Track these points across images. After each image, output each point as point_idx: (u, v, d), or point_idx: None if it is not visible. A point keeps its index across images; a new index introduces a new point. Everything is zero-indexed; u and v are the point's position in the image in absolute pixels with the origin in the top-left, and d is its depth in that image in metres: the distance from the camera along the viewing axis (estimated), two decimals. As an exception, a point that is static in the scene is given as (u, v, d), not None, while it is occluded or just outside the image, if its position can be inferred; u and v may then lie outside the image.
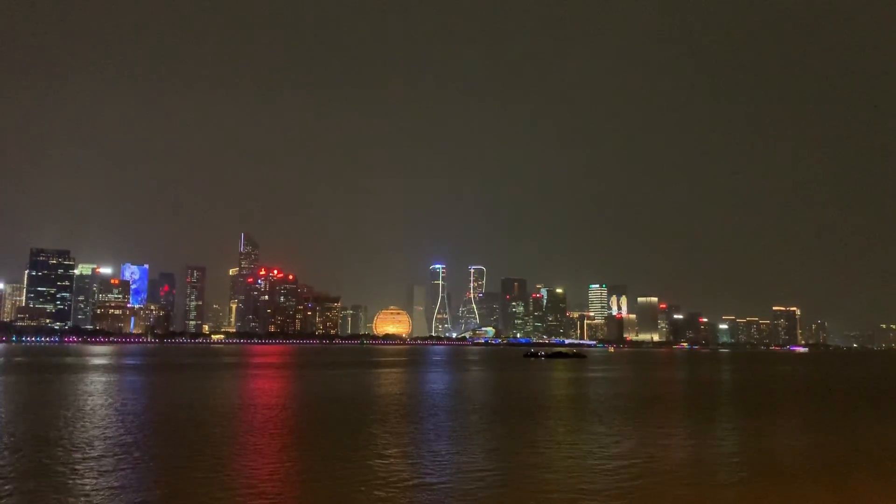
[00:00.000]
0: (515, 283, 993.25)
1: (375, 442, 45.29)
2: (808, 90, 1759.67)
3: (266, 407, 66.74)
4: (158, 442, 44.63)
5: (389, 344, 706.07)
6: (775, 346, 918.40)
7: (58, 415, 58.10)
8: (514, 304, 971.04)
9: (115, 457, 38.42)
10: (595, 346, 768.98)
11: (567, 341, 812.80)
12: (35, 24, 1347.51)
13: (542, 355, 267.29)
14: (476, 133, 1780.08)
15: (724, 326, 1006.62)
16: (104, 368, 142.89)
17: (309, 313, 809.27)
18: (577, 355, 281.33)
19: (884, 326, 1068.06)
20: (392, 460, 39.04)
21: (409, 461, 39.08)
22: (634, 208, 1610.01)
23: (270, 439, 46.03)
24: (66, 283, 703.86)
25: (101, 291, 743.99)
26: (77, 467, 35.45)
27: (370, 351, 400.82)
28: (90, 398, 73.02)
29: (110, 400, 71.52)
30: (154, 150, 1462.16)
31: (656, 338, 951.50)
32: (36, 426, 50.89)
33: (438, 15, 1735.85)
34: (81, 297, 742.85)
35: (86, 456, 38.53)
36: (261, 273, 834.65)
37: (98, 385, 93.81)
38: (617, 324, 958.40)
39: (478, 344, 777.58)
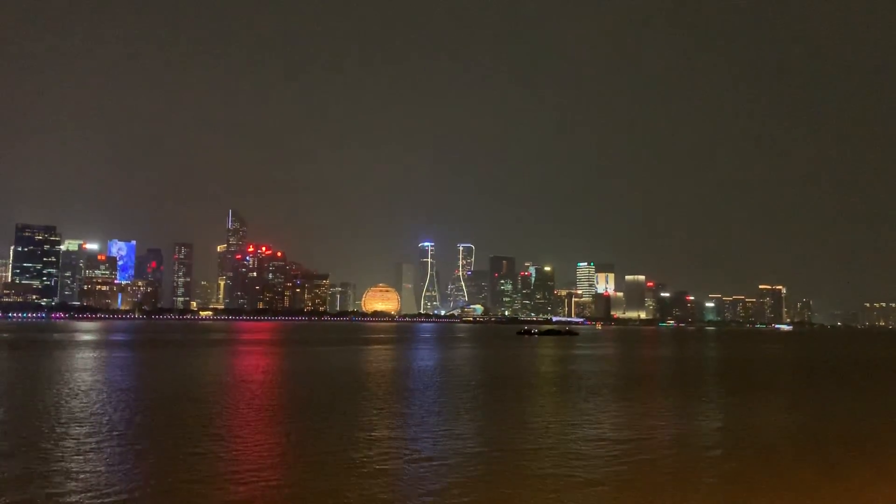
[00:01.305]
0: (504, 262, 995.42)
1: (365, 418, 45.51)
2: (790, 73, 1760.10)
3: (255, 384, 66.83)
4: (147, 420, 44.63)
5: (378, 321, 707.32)
6: (760, 323, 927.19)
7: (45, 392, 57.95)
8: (502, 281, 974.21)
9: (102, 434, 38.41)
10: (581, 323, 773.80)
11: (555, 318, 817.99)
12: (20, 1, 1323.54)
13: (535, 332, 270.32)
14: (466, 112, 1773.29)
15: (710, 305, 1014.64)
16: (91, 345, 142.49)
17: (297, 290, 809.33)
18: (570, 332, 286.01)
19: (868, 305, 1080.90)
20: (376, 438, 39.24)
21: (392, 439, 39.27)
22: (623, 187, 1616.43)
23: (260, 416, 46.17)
24: (53, 259, 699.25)
25: (87, 267, 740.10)
26: (64, 445, 35.42)
27: (359, 328, 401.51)
28: (77, 374, 72.82)
29: (98, 377, 71.36)
30: (140, 126, 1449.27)
31: (643, 315, 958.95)
32: (23, 403, 50.78)
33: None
34: (68, 274, 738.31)
35: (70, 433, 38.50)
36: (249, 250, 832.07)
37: (86, 362, 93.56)
38: (604, 301, 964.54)
39: (466, 321, 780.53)
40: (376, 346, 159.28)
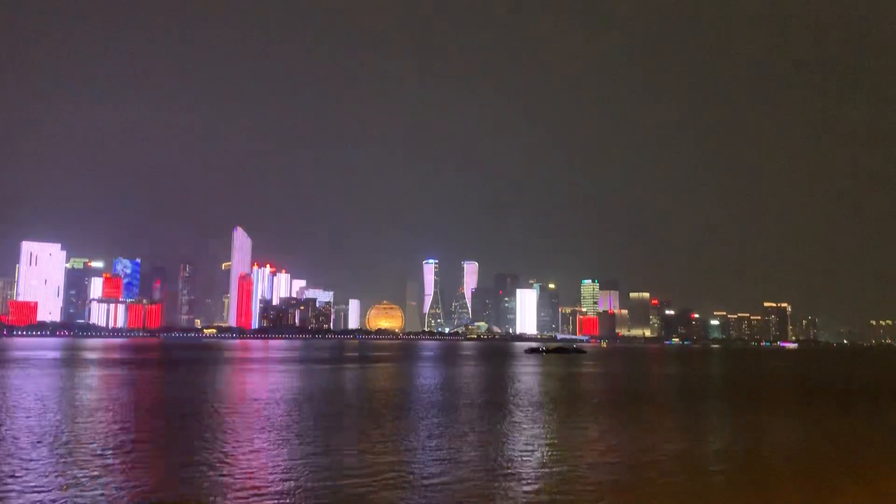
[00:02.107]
0: (508, 279, 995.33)
1: (372, 437, 46.04)
2: (797, 89, 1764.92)
3: (263, 402, 67.32)
4: (158, 437, 45.26)
5: (382, 339, 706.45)
6: (766, 341, 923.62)
7: (53, 410, 58.59)
8: (506, 299, 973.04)
9: (110, 451, 39.08)
10: (586, 341, 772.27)
11: (559, 336, 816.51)
12: (29, 17, 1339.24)
13: (543, 350, 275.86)
14: (470, 129, 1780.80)
15: (715, 322, 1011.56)
16: (97, 363, 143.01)
17: (302, 308, 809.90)
18: (578, 351, 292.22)
19: (874, 323, 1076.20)
20: (380, 455, 39.78)
21: (395, 457, 39.81)
22: (627, 205, 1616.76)
23: (269, 433, 46.72)
24: (58, 277, 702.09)
25: (93, 286, 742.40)
26: (74, 462, 36.08)
27: (363, 346, 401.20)
28: (84, 393, 73.48)
29: (105, 395, 72.01)
30: (146, 144, 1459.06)
31: (648, 333, 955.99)
32: (32, 422, 51.42)
33: (437, 11, 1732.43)
34: (73, 292, 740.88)
35: (78, 451, 39.15)
36: (254, 268, 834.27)
37: (92, 380, 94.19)
38: (609, 319, 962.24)
39: (470, 339, 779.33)
40: (382, 364, 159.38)
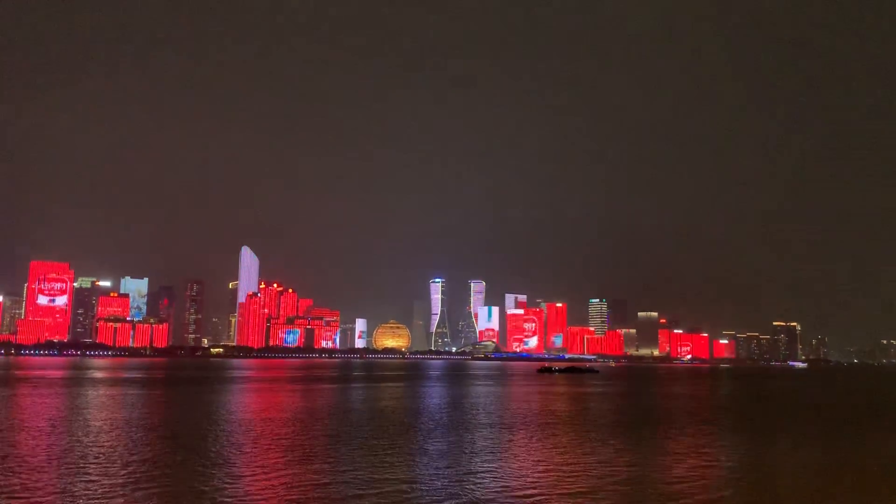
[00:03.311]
0: (516, 298, 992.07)
1: (380, 455, 45.35)
2: (812, 108, 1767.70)
3: (271, 421, 66.67)
4: (167, 456, 44.66)
5: (389, 358, 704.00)
6: (774, 360, 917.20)
7: (63, 430, 58.09)
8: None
9: (119, 469, 38.52)
10: (595, 360, 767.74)
11: (566, 356, 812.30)
12: (38, 36, 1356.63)
13: (556, 370, 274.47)
14: (476, 147, 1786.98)
15: (724, 342, 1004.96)
16: (105, 382, 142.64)
17: (309, 327, 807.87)
18: (591, 370, 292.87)
19: (884, 342, 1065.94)
20: (388, 475, 39.09)
21: (407, 475, 39.11)
22: (635, 224, 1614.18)
23: (279, 454, 46.09)
24: (66, 296, 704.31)
25: (100, 305, 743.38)
26: (82, 484, 35.52)
27: (370, 365, 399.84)
28: (92, 412, 72.98)
29: (115, 414, 71.51)
30: (154, 165, 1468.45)
31: (656, 352, 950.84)
32: (41, 441, 50.93)
33: (443, 29, 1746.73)
34: (81, 311, 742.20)
35: (84, 471, 38.58)
36: (261, 287, 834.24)
37: (101, 399, 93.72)
38: (617, 338, 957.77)
39: (478, 358, 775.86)
40: (390, 384, 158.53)
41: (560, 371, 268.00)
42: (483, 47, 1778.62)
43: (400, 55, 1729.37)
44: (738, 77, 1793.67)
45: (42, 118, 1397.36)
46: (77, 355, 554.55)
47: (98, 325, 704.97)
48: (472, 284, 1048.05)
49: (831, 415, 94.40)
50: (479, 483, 37.33)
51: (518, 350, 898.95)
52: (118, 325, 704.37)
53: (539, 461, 45.10)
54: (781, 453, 52.90)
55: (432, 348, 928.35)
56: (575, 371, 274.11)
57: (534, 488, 36.17)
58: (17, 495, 32.42)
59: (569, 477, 39.41)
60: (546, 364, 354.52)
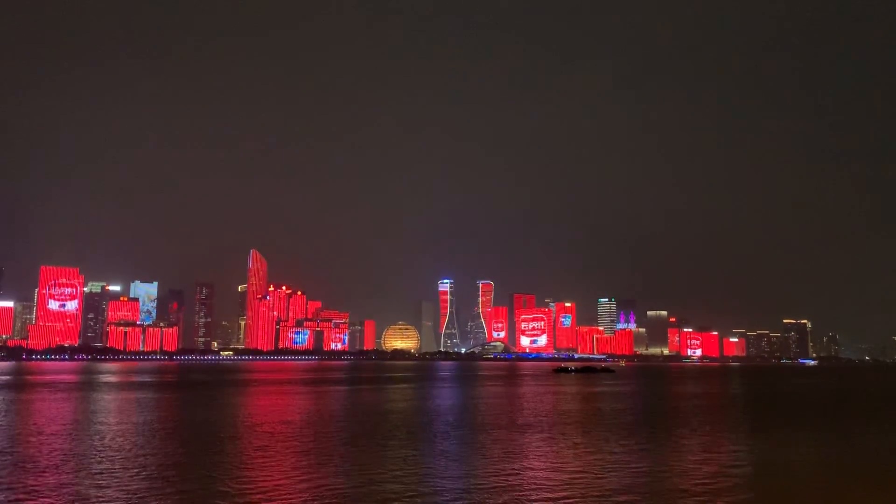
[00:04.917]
0: (524, 298, 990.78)
1: (394, 458, 45.17)
2: (817, 108, 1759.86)
3: (283, 423, 66.55)
4: (184, 458, 44.56)
5: (398, 360, 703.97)
6: (785, 358, 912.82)
7: (79, 433, 58.10)
8: (523, 318, 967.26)
9: (133, 472, 38.43)
10: (605, 359, 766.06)
11: (576, 356, 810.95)
12: (41, 38, 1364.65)
13: (572, 370, 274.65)
14: (485, 149, 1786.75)
15: (734, 340, 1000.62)
16: (117, 386, 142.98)
17: (318, 329, 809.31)
18: (606, 370, 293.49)
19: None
20: (399, 475, 38.87)
21: (413, 477, 38.88)
22: (643, 223, 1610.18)
23: (291, 456, 45.93)
24: (76, 301, 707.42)
25: (110, 309, 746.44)
26: (100, 486, 35.43)
27: (379, 367, 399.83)
28: (107, 416, 73.06)
29: (129, 417, 71.58)
30: (163, 168, 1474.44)
31: (666, 351, 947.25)
32: (58, 444, 50.94)
33: (450, 35, 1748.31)
34: (91, 315, 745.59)
35: (98, 473, 38.50)
36: (270, 289, 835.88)
37: (115, 403, 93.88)
38: (627, 338, 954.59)
39: (487, 358, 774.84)
40: (401, 386, 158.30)
41: (576, 371, 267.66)
42: (483, 48, 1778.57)
43: (414, 62, 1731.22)
44: (738, 76, 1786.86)
45: (50, 121, 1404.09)
46: (88, 360, 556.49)
47: (108, 329, 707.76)
48: (480, 285, 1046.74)
49: (847, 411, 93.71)
50: (510, 483, 37.07)
51: (528, 350, 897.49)
52: (128, 329, 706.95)
53: (572, 459, 44.81)
54: (802, 451, 52.43)
55: (441, 349, 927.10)
56: (591, 371, 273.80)
57: (564, 490, 35.87)
58: (35, 497, 32.33)
59: (603, 475, 39.20)
60: (561, 364, 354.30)
